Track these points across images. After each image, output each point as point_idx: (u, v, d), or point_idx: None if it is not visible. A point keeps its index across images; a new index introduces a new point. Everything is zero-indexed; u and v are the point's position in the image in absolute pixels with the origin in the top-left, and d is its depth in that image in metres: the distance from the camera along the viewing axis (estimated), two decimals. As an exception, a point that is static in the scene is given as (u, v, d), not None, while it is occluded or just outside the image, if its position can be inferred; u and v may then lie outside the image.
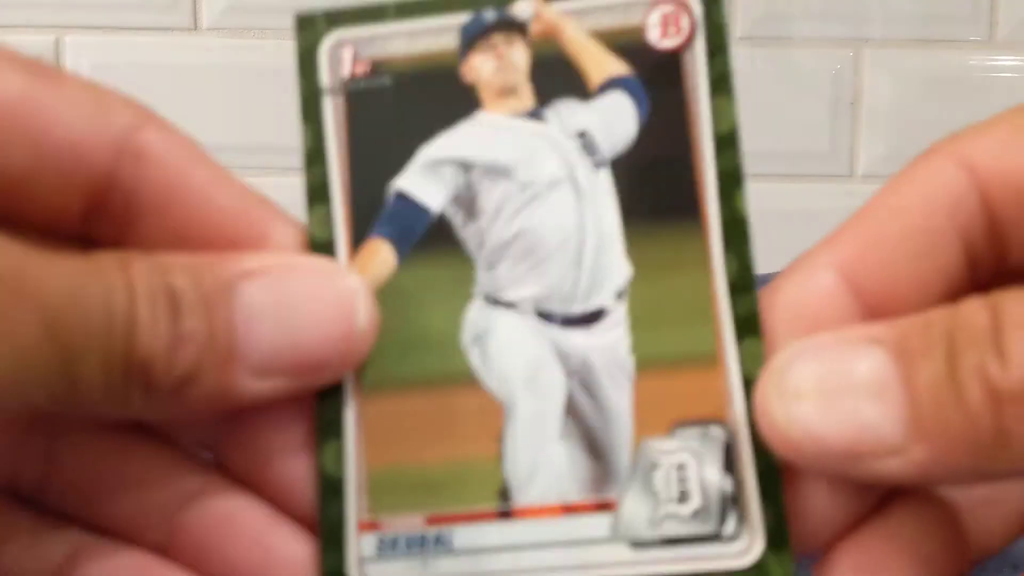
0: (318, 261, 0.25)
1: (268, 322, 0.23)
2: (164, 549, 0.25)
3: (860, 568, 0.23)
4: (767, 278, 0.27)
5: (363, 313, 0.24)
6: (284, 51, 0.62)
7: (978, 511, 0.25)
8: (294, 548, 0.25)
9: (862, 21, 0.63)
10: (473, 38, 0.26)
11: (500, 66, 0.26)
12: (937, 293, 0.25)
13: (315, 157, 0.26)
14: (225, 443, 0.26)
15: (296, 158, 0.70)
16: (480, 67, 0.26)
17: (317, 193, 0.26)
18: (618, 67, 0.26)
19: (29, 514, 0.25)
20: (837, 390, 0.22)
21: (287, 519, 0.25)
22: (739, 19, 0.63)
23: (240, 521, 0.25)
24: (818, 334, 0.23)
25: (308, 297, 0.23)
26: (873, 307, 0.25)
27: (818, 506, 0.24)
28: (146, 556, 0.25)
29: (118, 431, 0.26)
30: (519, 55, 0.26)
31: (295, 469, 0.25)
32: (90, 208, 0.24)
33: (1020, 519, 0.26)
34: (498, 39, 0.26)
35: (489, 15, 0.26)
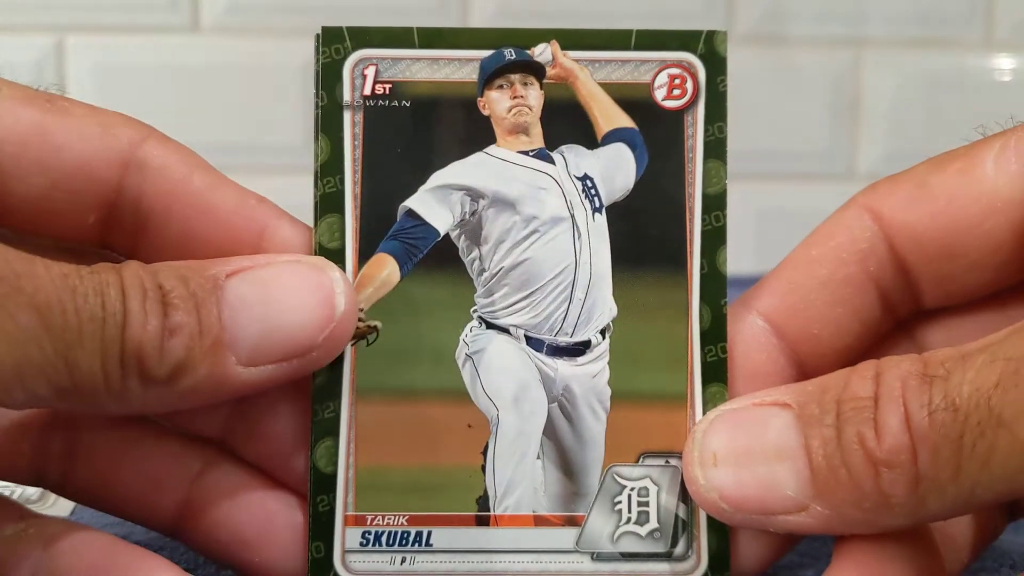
0: (298, 256, 0.26)
1: (254, 311, 0.24)
2: (177, 524, 0.27)
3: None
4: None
5: (342, 298, 0.25)
6: (284, 51, 0.62)
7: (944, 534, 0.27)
8: (294, 515, 0.27)
9: (862, 21, 0.63)
10: (492, 74, 0.27)
11: (516, 104, 0.27)
12: (854, 334, 0.28)
13: (330, 168, 0.27)
14: (230, 430, 0.28)
15: (295, 158, 0.69)
16: (496, 102, 0.27)
17: (330, 203, 0.27)
18: (624, 120, 0.28)
19: (19, 510, 0.26)
20: (748, 455, 0.24)
21: (286, 490, 0.27)
22: (739, 19, 0.63)
23: (244, 492, 0.27)
24: (734, 399, 0.26)
25: (291, 287, 0.25)
26: (796, 349, 0.27)
27: (748, 541, 0.27)
28: (114, 539, 0.26)
29: (130, 426, 0.27)
30: (534, 96, 0.28)
31: (295, 447, 0.27)
32: (103, 220, 0.26)
33: (977, 541, 0.28)
34: (516, 78, 0.28)
35: (509, 54, 0.28)
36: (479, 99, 0.27)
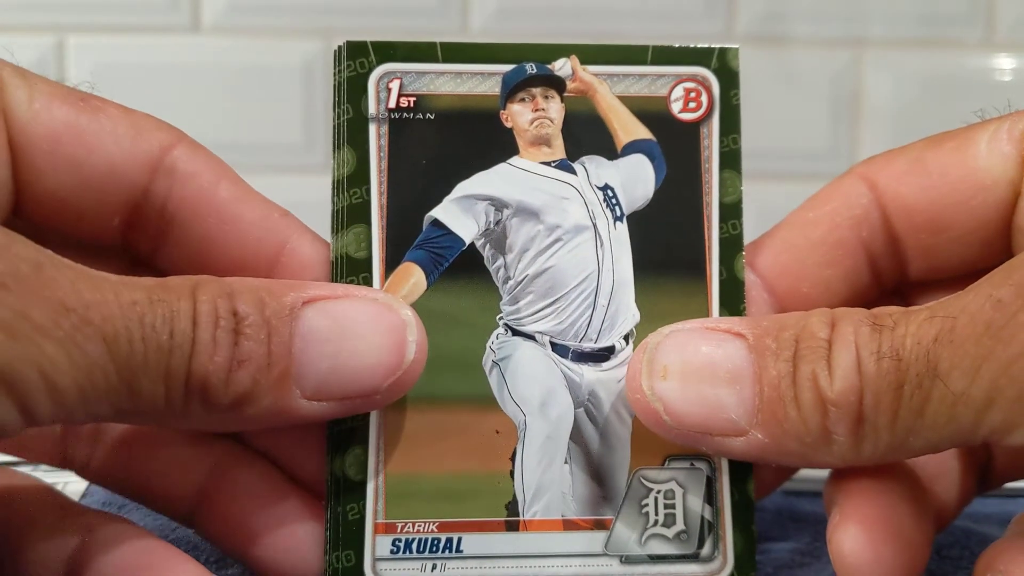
0: (374, 292, 0.26)
1: (325, 348, 0.24)
2: (192, 513, 0.28)
3: (868, 522, 0.25)
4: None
5: (414, 345, 0.25)
6: (284, 51, 0.62)
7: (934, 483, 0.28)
8: (306, 514, 0.27)
9: (862, 21, 0.63)
10: (515, 88, 0.28)
11: (537, 117, 0.28)
12: (841, 296, 0.28)
13: (357, 179, 0.27)
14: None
15: (294, 158, 0.69)
16: (518, 115, 0.28)
17: (357, 213, 0.27)
18: (643, 131, 0.29)
19: (60, 500, 0.27)
20: (697, 374, 0.25)
21: (300, 490, 0.27)
22: (739, 19, 0.63)
23: (258, 487, 0.27)
24: (688, 321, 0.26)
25: (364, 326, 0.25)
26: (785, 306, 0.28)
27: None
28: (148, 536, 0.26)
29: None
30: (555, 109, 0.28)
31: (312, 448, 0.27)
32: (129, 222, 0.27)
33: (964, 493, 0.29)
34: (537, 91, 0.28)
35: (531, 68, 0.28)
36: (501, 112, 0.28)
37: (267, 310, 0.24)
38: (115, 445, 0.28)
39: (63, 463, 0.28)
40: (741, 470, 0.27)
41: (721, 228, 0.28)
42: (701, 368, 0.25)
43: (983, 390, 0.23)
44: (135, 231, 0.27)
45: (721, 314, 0.28)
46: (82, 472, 0.28)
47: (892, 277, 0.29)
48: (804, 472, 0.30)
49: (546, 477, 0.27)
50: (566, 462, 0.28)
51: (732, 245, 0.28)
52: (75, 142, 0.25)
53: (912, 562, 0.25)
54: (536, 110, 0.28)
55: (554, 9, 0.62)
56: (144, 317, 0.22)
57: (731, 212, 0.28)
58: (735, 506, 0.27)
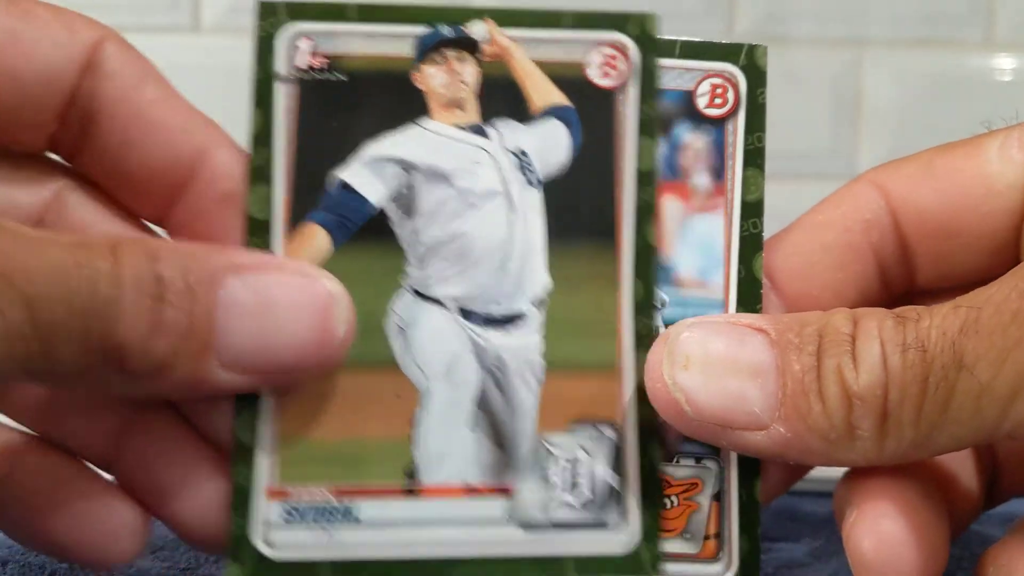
0: (303, 265, 0.25)
1: (247, 320, 0.24)
2: (108, 460, 0.27)
3: (888, 518, 0.25)
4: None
5: (341, 324, 0.25)
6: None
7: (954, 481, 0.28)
8: (214, 473, 0.26)
9: (862, 21, 0.63)
10: (428, 49, 0.28)
11: (450, 80, 0.28)
12: (850, 301, 0.28)
13: (261, 139, 0.27)
14: None
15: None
16: (431, 77, 0.27)
17: (259, 174, 0.27)
18: (559, 97, 0.28)
19: None
20: (720, 366, 0.25)
21: (210, 447, 0.27)
22: (739, 19, 0.63)
23: (169, 445, 0.26)
24: (711, 316, 0.26)
25: (289, 300, 0.24)
26: (793, 308, 0.28)
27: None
28: (76, 463, 0.26)
29: None
30: (469, 72, 0.28)
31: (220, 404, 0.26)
32: (60, 123, 0.25)
33: (974, 505, 0.29)
34: (451, 54, 0.28)
35: (445, 30, 0.28)
36: (414, 73, 0.27)
37: (191, 276, 0.23)
38: (30, 387, 0.27)
39: None
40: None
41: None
42: (724, 360, 0.25)
43: (1009, 380, 0.23)
44: (61, 130, 0.26)
45: (635, 283, 0.27)
46: (3, 410, 0.28)
47: (901, 283, 0.29)
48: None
49: (449, 443, 0.27)
50: (472, 429, 0.27)
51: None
52: (8, 47, 0.24)
53: (933, 562, 0.25)
54: (450, 72, 0.27)
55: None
56: (66, 279, 0.22)
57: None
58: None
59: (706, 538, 0.27)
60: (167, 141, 0.26)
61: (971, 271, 0.28)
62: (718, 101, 0.28)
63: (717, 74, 0.28)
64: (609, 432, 0.27)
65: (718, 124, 0.28)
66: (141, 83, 0.26)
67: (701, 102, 0.28)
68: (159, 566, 0.30)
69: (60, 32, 0.25)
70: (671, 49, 0.28)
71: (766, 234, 0.28)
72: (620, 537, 0.27)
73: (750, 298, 0.28)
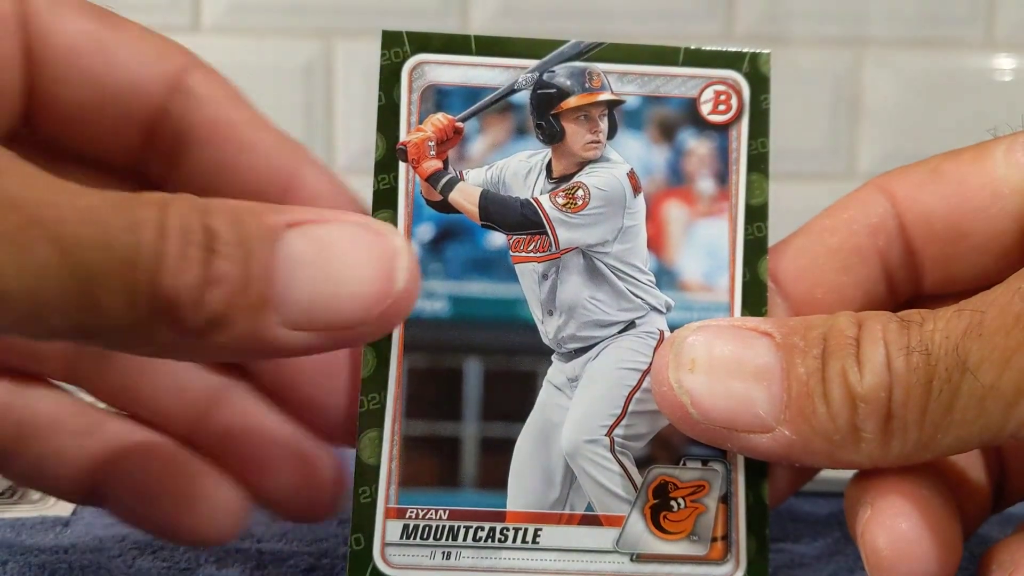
0: (364, 218, 0.24)
1: (308, 273, 0.23)
2: (191, 435, 0.27)
3: (903, 516, 0.25)
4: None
5: (403, 273, 0.23)
6: (285, 51, 0.62)
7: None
8: (297, 446, 0.27)
9: (863, 21, 0.63)
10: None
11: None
12: (856, 303, 0.28)
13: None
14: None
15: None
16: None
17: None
18: None
19: (81, 407, 0.27)
20: (726, 369, 0.25)
21: (295, 421, 0.27)
22: (739, 19, 0.63)
23: (255, 422, 0.27)
24: (716, 319, 0.26)
25: (351, 252, 0.23)
26: (798, 311, 0.28)
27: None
28: (176, 446, 0.27)
29: None
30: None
31: (330, 393, 0.27)
32: (144, 141, 0.26)
33: (982, 508, 0.29)
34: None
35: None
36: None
37: (246, 228, 0.22)
38: (120, 363, 0.28)
39: (72, 379, 0.28)
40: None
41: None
42: (729, 363, 0.25)
43: (1012, 383, 0.23)
44: (149, 152, 0.26)
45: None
46: (91, 391, 0.28)
47: (907, 287, 0.29)
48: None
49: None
50: None
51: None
52: (95, 55, 0.25)
53: (948, 560, 0.25)
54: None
55: (555, 9, 0.62)
56: (104, 223, 0.21)
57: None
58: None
59: (713, 540, 0.27)
60: (260, 162, 0.26)
61: (977, 275, 0.28)
62: (722, 108, 0.29)
63: (720, 81, 0.29)
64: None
65: (722, 130, 0.29)
66: (232, 106, 0.26)
67: (705, 108, 0.29)
68: (159, 566, 0.30)
69: (146, 49, 0.26)
70: (675, 57, 0.29)
71: (773, 235, 0.29)
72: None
73: (755, 301, 0.28)
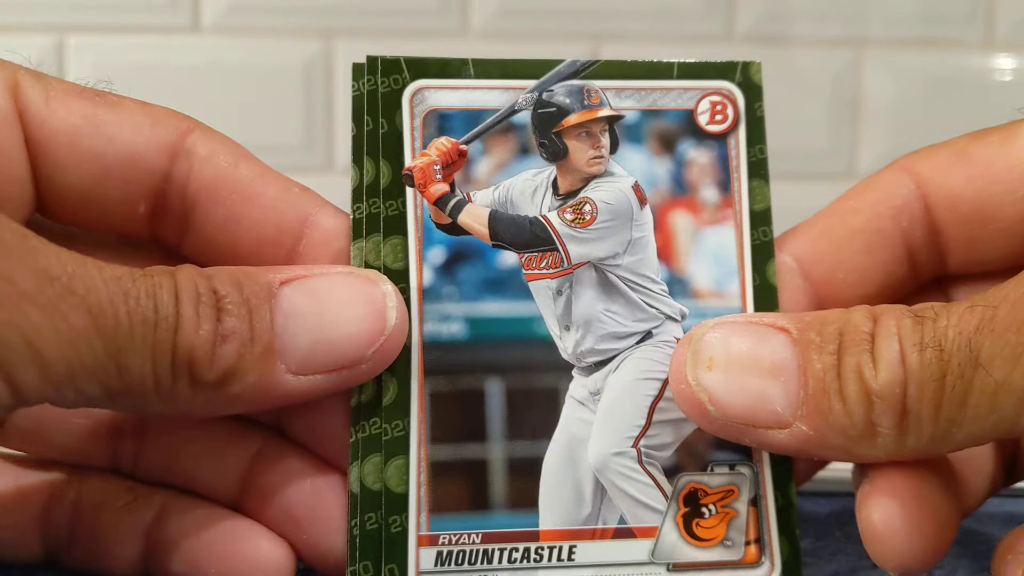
0: (352, 268, 0.26)
1: (306, 321, 0.25)
2: (238, 501, 0.28)
3: (899, 493, 0.25)
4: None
5: (394, 313, 0.26)
6: (284, 51, 0.62)
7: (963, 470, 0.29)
8: (340, 494, 0.27)
9: (862, 21, 0.63)
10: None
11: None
12: (877, 285, 0.28)
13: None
14: (283, 413, 0.28)
15: (295, 158, 0.69)
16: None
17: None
18: None
19: (128, 484, 0.28)
20: (743, 366, 0.25)
21: (333, 470, 0.28)
22: (739, 19, 0.63)
23: (294, 472, 0.28)
24: (732, 315, 0.26)
25: (343, 299, 0.25)
26: (819, 292, 0.28)
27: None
28: (220, 508, 0.28)
29: None
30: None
31: (342, 428, 0.27)
32: (153, 210, 0.27)
33: (992, 480, 0.30)
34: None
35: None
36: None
37: (245, 290, 0.24)
38: (159, 440, 0.28)
39: (113, 463, 0.29)
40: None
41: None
42: (746, 360, 0.25)
43: None
44: (160, 219, 0.27)
45: None
46: (132, 471, 0.29)
47: (930, 269, 0.29)
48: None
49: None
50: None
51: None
52: (93, 133, 0.26)
53: (940, 536, 0.25)
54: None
55: (554, 10, 0.62)
56: (128, 291, 0.23)
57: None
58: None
59: (747, 544, 0.27)
60: (268, 213, 0.27)
61: (1003, 257, 0.28)
62: (718, 118, 0.29)
63: (715, 92, 0.29)
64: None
65: (720, 139, 0.29)
66: (235, 162, 0.27)
67: (702, 119, 0.29)
68: (159, 566, 0.30)
69: (143, 120, 0.26)
70: (669, 71, 0.29)
71: (773, 238, 0.29)
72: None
73: (766, 305, 0.28)
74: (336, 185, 0.30)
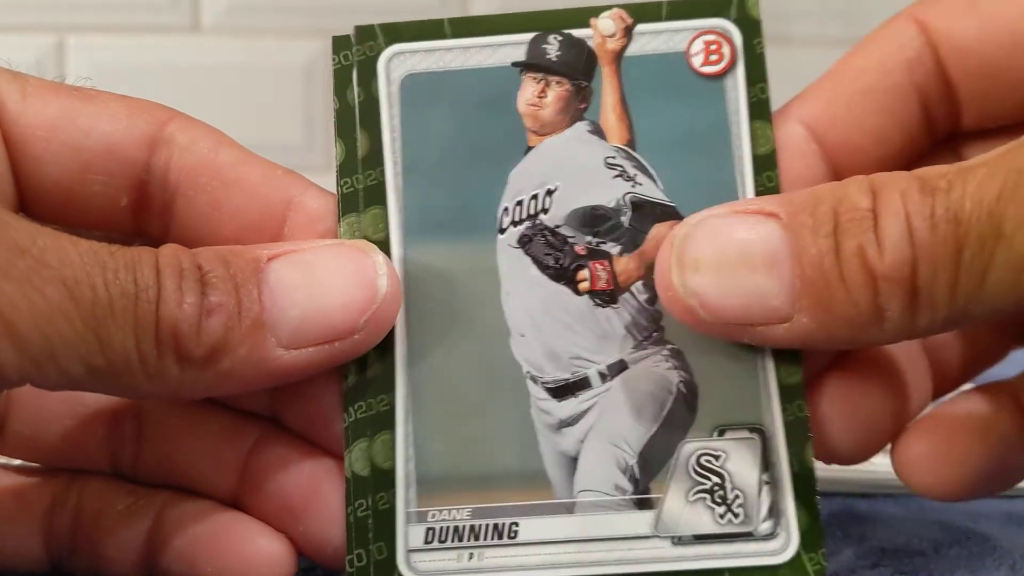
0: (341, 240, 0.26)
1: (296, 294, 0.24)
2: (237, 496, 0.28)
3: (842, 395, 0.25)
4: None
5: (384, 280, 0.25)
6: (284, 51, 0.62)
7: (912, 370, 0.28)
8: (337, 481, 0.27)
9: (862, 21, 0.63)
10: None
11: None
12: (895, 145, 0.27)
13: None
14: (277, 402, 0.28)
15: (295, 158, 0.70)
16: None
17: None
18: None
19: (128, 487, 0.28)
20: (732, 263, 0.23)
21: (330, 457, 0.27)
22: (739, 19, 0.63)
23: (291, 462, 0.27)
24: (716, 207, 0.24)
25: (332, 270, 0.25)
26: (835, 158, 0.26)
27: None
28: (219, 506, 0.27)
29: (189, 405, 0.28)
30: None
31: (336, 412, 0.27)
32: (135, 202, 0.27)
33: (971, 361, 0.28)
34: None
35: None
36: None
37: (231, 266, 0.24)
38: (157, 439, 0.28)
39: (112, 465, 0.29)
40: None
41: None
42: (735, 255, 0.24)
43: None
44: (143, 212, 0.27)
45: None
46: (132, 471, 0.29)
47: (946, 124, 0.27)
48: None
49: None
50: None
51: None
52: (70, 127, 0.26)
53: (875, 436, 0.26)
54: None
55: (552, 5, 0.62)
56: (105, 263, 0.22)
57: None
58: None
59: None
60: (253, 195, 0.26)
61: (1018, 110, 0.27)
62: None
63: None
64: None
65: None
66: (216, 149, 0.26)
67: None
68: (159, 566, 0.30)
69: (120, 110, 0.26)
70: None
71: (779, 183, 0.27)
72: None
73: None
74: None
